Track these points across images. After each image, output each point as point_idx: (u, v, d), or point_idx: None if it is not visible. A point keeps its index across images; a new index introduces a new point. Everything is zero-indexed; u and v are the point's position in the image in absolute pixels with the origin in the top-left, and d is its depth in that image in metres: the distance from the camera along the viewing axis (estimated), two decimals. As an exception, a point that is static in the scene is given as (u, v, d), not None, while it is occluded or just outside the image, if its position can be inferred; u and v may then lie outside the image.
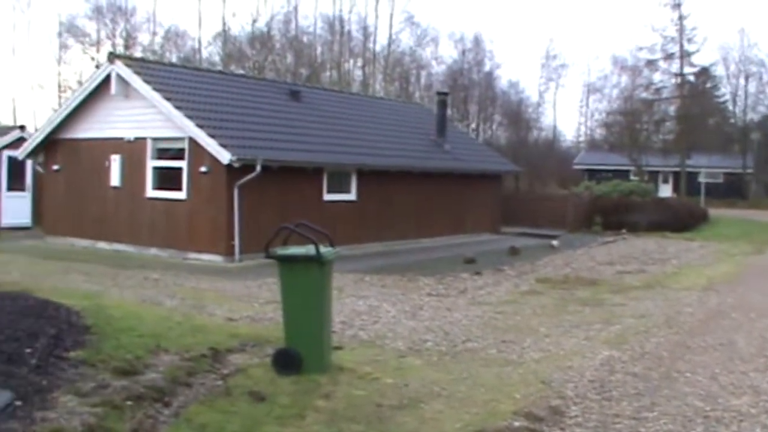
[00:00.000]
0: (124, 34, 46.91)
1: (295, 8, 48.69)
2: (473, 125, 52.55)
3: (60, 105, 29.15)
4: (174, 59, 41.41)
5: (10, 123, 33.86)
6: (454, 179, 22.79)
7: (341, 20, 49.87)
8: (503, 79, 63.93)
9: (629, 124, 51.27)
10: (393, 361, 8.46)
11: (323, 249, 7.80)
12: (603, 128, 58.17)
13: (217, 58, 47.19)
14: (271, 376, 7.63)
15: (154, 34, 47.74)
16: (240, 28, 51.00)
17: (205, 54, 47.84)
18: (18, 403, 6.61)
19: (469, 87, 52.33)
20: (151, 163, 17.19)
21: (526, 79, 64.43)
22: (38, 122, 34.79)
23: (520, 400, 7.25)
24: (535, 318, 11.25)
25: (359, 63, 51.04)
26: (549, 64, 59.09)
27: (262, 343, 8.84)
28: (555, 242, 21.68)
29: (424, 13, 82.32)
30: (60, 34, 46.43)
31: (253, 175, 15.74)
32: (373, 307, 11.56)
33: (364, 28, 50.38)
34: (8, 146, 21.86)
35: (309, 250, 7.76)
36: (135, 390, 7.07)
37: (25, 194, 22.26)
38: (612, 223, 29.75)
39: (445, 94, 27.40)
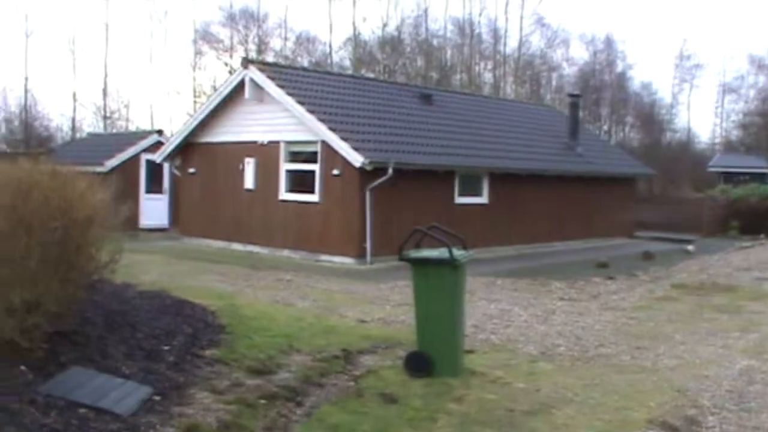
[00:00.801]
0: (256, 39, 47.73)
1: (425, 11, 48.75)
2: (605, 127, 51.67)
3: (195, 110, 29.88)
4: (305, 64, 41.95)
5: (148, 127, 34.90)
6: (587, 182, 22.32)
7: (471, 23, 49.67)
8: (636, 80, 62.57)
9: (767, 125, 49.62)
10: (525, 366, 8.38)
11: (456, 252, 7.81)
12: (739, 130, 56.30)
13: (347, 63, 47.58)
14: (403, 378, 7.65)
15: (286, 39, 48.41)
16: (370, 32, 51.38)
17: (336, 58, 48.32)
18: (156, 398, 6.79)
19: (600, 89, 51.44)
20: (285, 166, 17.45)
21: (659, 80, 62.85)
22: (174, 126, 35.79)
23: (655, 409, 7.11)
24: (669, 324, 11.00)
25: (489, 66, 50.79)
26: (683, 64, 57.51)
27: (393, 345, 8.88)
28: (690, 247, 21.00)
29: (554, 15, 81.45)
30: (195, 41, 47.54)
31: (384, 178, 15.81)
32: (505, 311, 11.47)
33: (494, 31, 50.09)
34: (146, 150, 22.54)
35: (442, 253, 7.76)
36: (268, 389, 7.19)
37: (163, 196, 22.89)
38: (749, 227, 29.00)
39: (577, 96, 26.94)
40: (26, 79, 40.64)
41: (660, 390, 7.68)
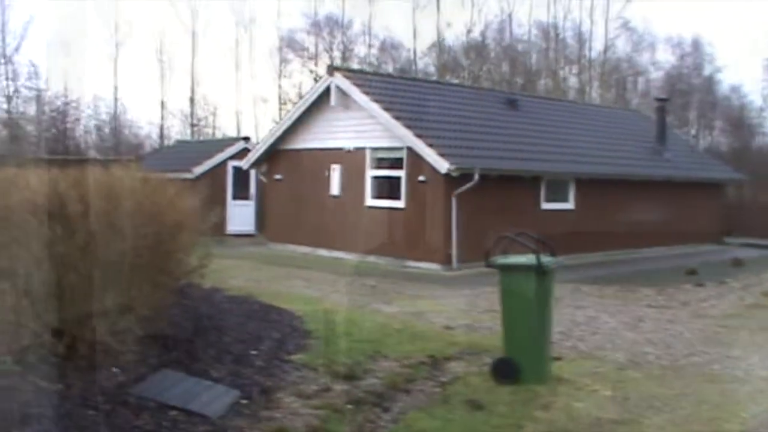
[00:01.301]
0: (341, 47, 47.99)
1: (509, 16, 48.48)
2: (692, 132, 50.74)
3: (281, 117, 30.15)
4: (390, 71, 42.08)
5: (234, 135, 35.32)
6: (675, 188, 21.86)
7: (556, 27, 49.25)
8: (724, 83, 61.30)
9: None
10: (613, 374, 8.22)
11: (544, 258, 7.75)
12: (832, 133, 54.89)
13: (432, 69, 47.58)
14: (489, 384, 7.60)
15: (370, 46, 48.60)
16: (455, 38, 51.23)
17: (420, 65, 48.32)
18: (244, 401, 6.88)
19: (688, 92, 50.52)
20: (370, 173, 17.51)
21: (749, 83, 61.37)
22: (260, 134, 36.13)
23: (748, 420, 6.96)
24: (761, 333, 10.72)
25: (574, 70, 50.29)
26: (774, 66, 56.34)
27: (479, 351, 8.83)
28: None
29: (640, 18, 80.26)
30: (280, 49, 47.97)
31: (471, 184, 15.73)
32: (592, 318, 11.33)
33: (579, 35, 49.53)
34: (233, 157, 22.84)
35: (529, 259, 7.70)
36: (355, 394, 7.22)
37: (250, 203, 23.15)
38: None
39: (664, 100, 26.47)
40: (116, 88, 41.52)
41: (754, 401, 7.52)
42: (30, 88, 39.29)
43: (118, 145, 38.10)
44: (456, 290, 13.77)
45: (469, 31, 50.67)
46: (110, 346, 7.12)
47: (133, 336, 7.25)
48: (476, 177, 15.83)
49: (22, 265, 7.74)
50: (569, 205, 19.14)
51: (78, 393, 6.53)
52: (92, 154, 35.84)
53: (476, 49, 50.11)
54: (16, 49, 36.00)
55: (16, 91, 38.44)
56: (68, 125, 41.38)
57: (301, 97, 24.33)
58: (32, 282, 7.56)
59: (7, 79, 35.25)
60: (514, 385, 7.45)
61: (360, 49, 52.69)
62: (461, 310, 11.98)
